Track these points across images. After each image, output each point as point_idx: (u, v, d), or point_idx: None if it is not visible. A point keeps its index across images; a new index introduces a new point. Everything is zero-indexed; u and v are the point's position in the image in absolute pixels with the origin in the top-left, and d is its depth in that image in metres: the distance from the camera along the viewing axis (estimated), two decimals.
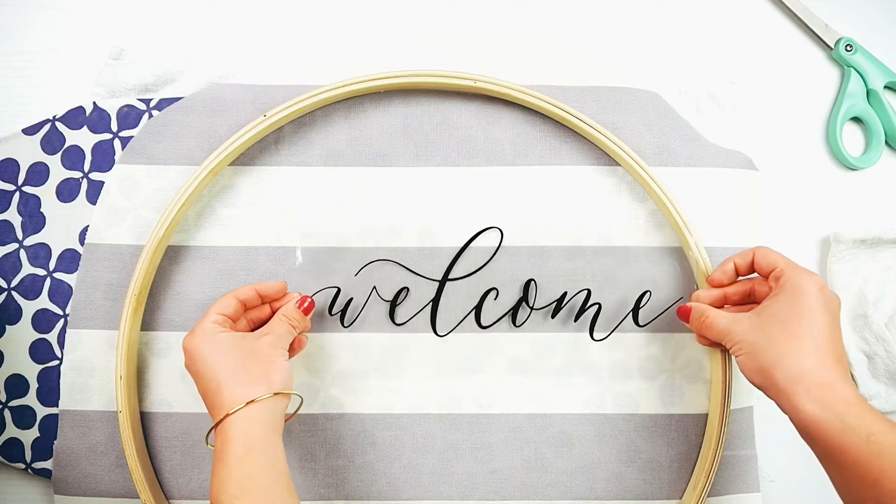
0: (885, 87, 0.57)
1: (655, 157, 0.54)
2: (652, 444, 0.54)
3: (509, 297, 0.54)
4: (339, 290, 0.53)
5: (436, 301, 0.54)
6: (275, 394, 0.45)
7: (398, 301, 0.54)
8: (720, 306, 0.50)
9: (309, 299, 0.51)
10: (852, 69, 0.57)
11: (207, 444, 0.47)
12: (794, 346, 0.44)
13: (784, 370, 0.43)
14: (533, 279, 0.54)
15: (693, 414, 0.54)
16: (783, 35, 0.59)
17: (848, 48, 0.57)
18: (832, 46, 0.58)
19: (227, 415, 0.44)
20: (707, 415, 0.53)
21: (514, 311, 0.54)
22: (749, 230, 0.55)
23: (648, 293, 0.53)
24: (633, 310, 0.53)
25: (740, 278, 0.51)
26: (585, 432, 0.54)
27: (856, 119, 0.58)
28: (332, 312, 0.54)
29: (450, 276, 0.54)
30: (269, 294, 0.51)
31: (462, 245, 0.54)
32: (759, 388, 0.45)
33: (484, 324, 0.54)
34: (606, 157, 0.54)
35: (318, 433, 0.54)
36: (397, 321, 0.54)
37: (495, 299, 0.54)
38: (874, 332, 0.55)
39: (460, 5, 0.58)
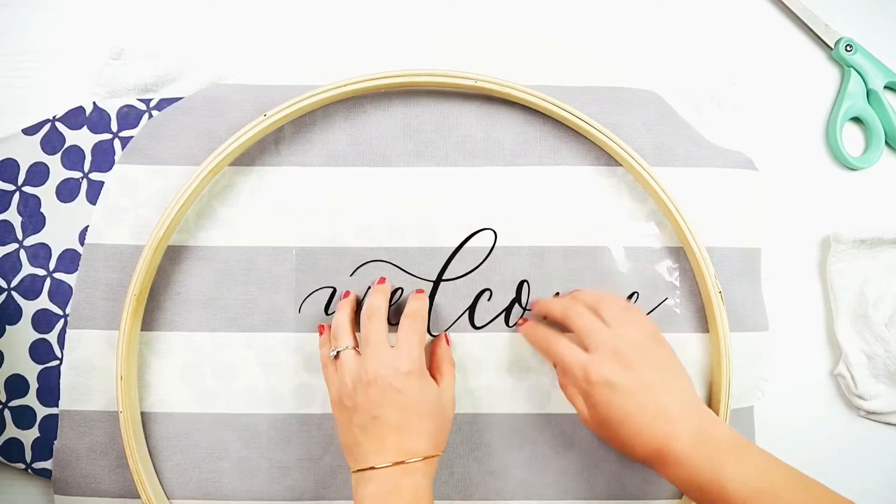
0: (885, 87, 0.57)
1: (655, 157, 0.54)
2: None
3: (504, 297, 0.54)
4: (334, 290, 0.54)
5: (430, 301, 0.54)
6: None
7: (393, 301, 0.54)
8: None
9: (445, 337, 0.53)
10: (852, 69, 0.57)
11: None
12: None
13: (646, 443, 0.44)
14: (526, 280, 0.54)
15: None
16: (783, 35, 0.59)
17: (848, 48, 0.57)
18: (832, 46, 0.58)
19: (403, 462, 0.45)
20: None
21: (507, 312, 0.54)
22: (749, 230, 0.55)
23: (636, 294, 0.53)
24: None
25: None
26: (585, 432, 0.54)
27: (856, 119, 0.58)
28: (329, 313, 0.54)
29: (444, 277, 0.54)
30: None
31: (456, 246, 0.54)
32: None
33: (478, 324, 0.54)
34: (606, 157, 0.54)
35: (319, 433, 0.54)
36: (392, 321, 0.54)
37: (489, 300, 0.54)
38: (874, 332, 0.55)
39: (460, 5, 0.58)
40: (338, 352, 0.49)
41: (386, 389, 0.46)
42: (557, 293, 0.54)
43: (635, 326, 0.48)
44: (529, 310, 0.54)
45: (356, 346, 0.49)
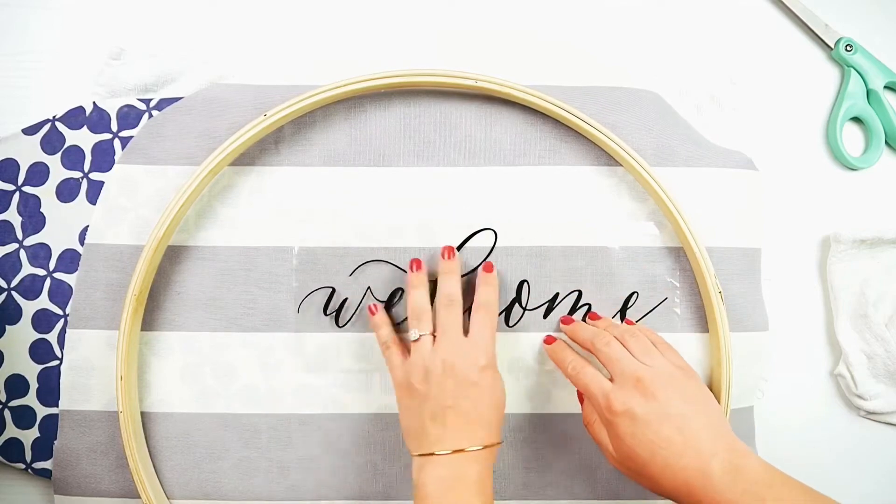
0: (885, 87, 0.57)
1: (655, 157, 0.54)
2: None
3: (504, 297, 0.54)
4: (333, 290, 0.54)
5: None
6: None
7: (393, 301, 0.54)
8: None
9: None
10: (852, 69, 0.57)
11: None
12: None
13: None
14: (526, 280, 0.54)
15: None
16: (783, 35, 0.59)
17: (848, 48, 0.57)
18: (832, 46, 0.58)
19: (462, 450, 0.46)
20: None
21: (507, 312, 0.54)
22: (749, 230, 0.55)
23: (636, 294, 0.53)
24: (620, 311, 0.53)
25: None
26: (585, 432, 0.53)
27: (856, 119, 0.58)
28: (327, 312, 0.54)
29: None
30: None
31: (456, 246, 0.54)
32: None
33: None
34: (606, 157, 0.54)
35: (319, 433, 0.54)
36: (392, 321, 0.54)
37: None
38: (874, 332, 0.55)
39: (460, 5, 0.58)
40: (420, 336, 0.49)
41: (462, 382, 0.47)
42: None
43: (662, 357, 0.47)
44: (529, 309, 0.54)
45: (434, 331, 0.49)
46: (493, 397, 0.48)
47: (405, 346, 0.51)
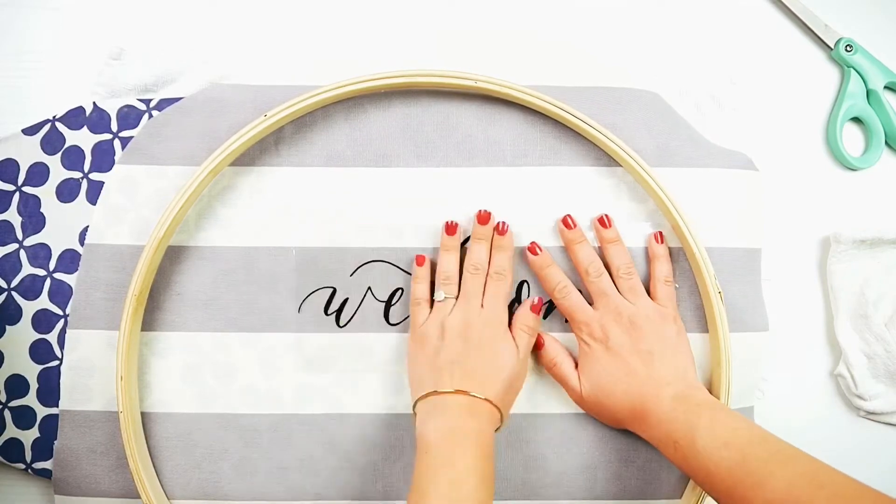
0: (885, 87, 0.57)
1: (655, 157, 0.54)
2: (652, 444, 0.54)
3: None
4: (334, 290, 0.54)
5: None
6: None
7: (393, 301, 0.54)
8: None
9: (538, 299, 0.52)
10: (852, 69, 0.57)
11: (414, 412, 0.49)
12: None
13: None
14: (526, 280, 0.54)
15: None
16: (783, 35, 0.59)
17: (848, 48, 0.57)
18: (832, 46, 0.58)
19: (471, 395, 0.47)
20: None
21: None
22: (749, 230, 0.55)
23: None
24: None
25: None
26: (585, 432, 0.54)
27: (856, 119, 0.58)
28: (328, 312, 0.54)
29: None
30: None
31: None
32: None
33: None
34: (606, 158, 0.54)
35: (318, 433, 0.54)
36: (392, 321, 0.54)
37: None
38: (874, 332, 0.55)
39: (460, 5, 0.58)
40: (445, 298, 0.51)
41: (469, 343, 0.49)
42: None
43: (647, 298, 0.51)
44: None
45: (457, 295, 0.51)
46: (501, 362, 0.49)
47: (431, 308, 0.52)
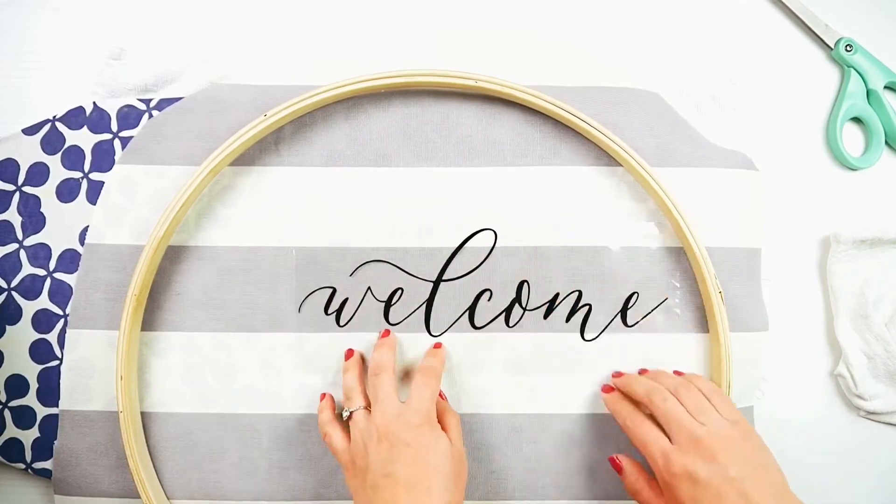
0: (885, 87, 0.57)
1: (656, 157, 0.54)
2: None
3: (504, 297, 0.54)
4: (334, 290, 0.54)
5: (430, 301, 0.54)
6: None
7: (393, 301, 0.54)
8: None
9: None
10: (852, 69, 0.57)
11: None
12: None
13: None
14: (527, 280, 0.54)
15: None
16: (783, 35, 0.59)
17: (848, 48, 0.57)
18: (832, 46, 0.58)
19: None
20: None
21: (507, 312, 0.54)
22: (749, 230, 0.55)
23: (636, 294, 0.53)
24: (621, 311, 0.53)
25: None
26: (585, 432, 0.54)
27: (856, 119, 0.58)
28: (328, 312, 0.54)
29: (444, 277, 0.54)
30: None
31: (456, 246, 0.54)
32: None
33: (478, 324, 0.54)
34: (606, 157, 0.54)
35: (319, 433, 0.54)
36: (392, 321, 0.54)
37: (489, 300, 0.54)
38: (874, 332, 0.55)
39: (460, 5, 0.58)
40: (350, 412, 0.48)
41: (395, 444, 0.45)
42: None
43: (717, 414, 0.46)
44: (530, 309, 0.54)
45: (367, 405, 0.49)
46: (435, 458, 0.45)
47: (346, 429, 0.49)
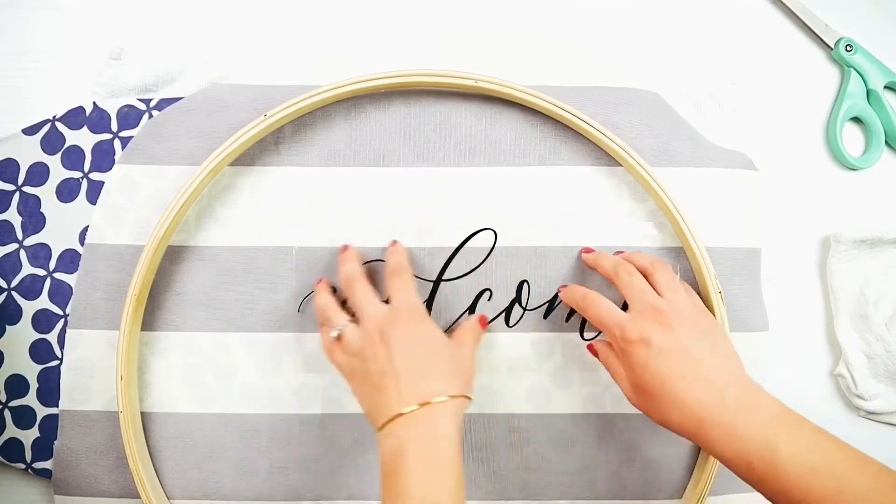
0: (885, 87, 0.57)
1: (656, 157, 0.54)
2: (652, 444, 0.54)
3: (504, 297, 0.54)
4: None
5: (430, 301, 0.54)
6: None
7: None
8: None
9: (481, 316, 0.53)
10: (852, 69, 0.57)
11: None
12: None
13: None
14: (526, 280, 0.54)
15: None
16: (783, 35, 0.59)
17: (848, 48, 0.57)
18: (832, 46, 0.58)
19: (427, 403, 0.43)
20: None
21: (507, 312, 0.54)
22: (749, 230, 0.55)
23: None
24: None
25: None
26: (585, 432, 0.54)
27: (856, 119, 0.58)
28: None
29: (444, 277, 0.54)
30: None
31: (456, 246, 0.54)
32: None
33: None
34: (606, 157, 0.54)
35: (319, 433, 0.54)
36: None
37: (489, 300, 0.54)
38: (874, 332, 0.55)
39: (460, 5, 0.58)
40: (338, 332, 0.48)
41: (390, 341, 0.45)
42: (557, 293, 0.54)
43: (683, 293, 0.48)
44: (529, 309, 0.54)
45: (353, 318, 0.48)
46: (431, 343, 0.46)
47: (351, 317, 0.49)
